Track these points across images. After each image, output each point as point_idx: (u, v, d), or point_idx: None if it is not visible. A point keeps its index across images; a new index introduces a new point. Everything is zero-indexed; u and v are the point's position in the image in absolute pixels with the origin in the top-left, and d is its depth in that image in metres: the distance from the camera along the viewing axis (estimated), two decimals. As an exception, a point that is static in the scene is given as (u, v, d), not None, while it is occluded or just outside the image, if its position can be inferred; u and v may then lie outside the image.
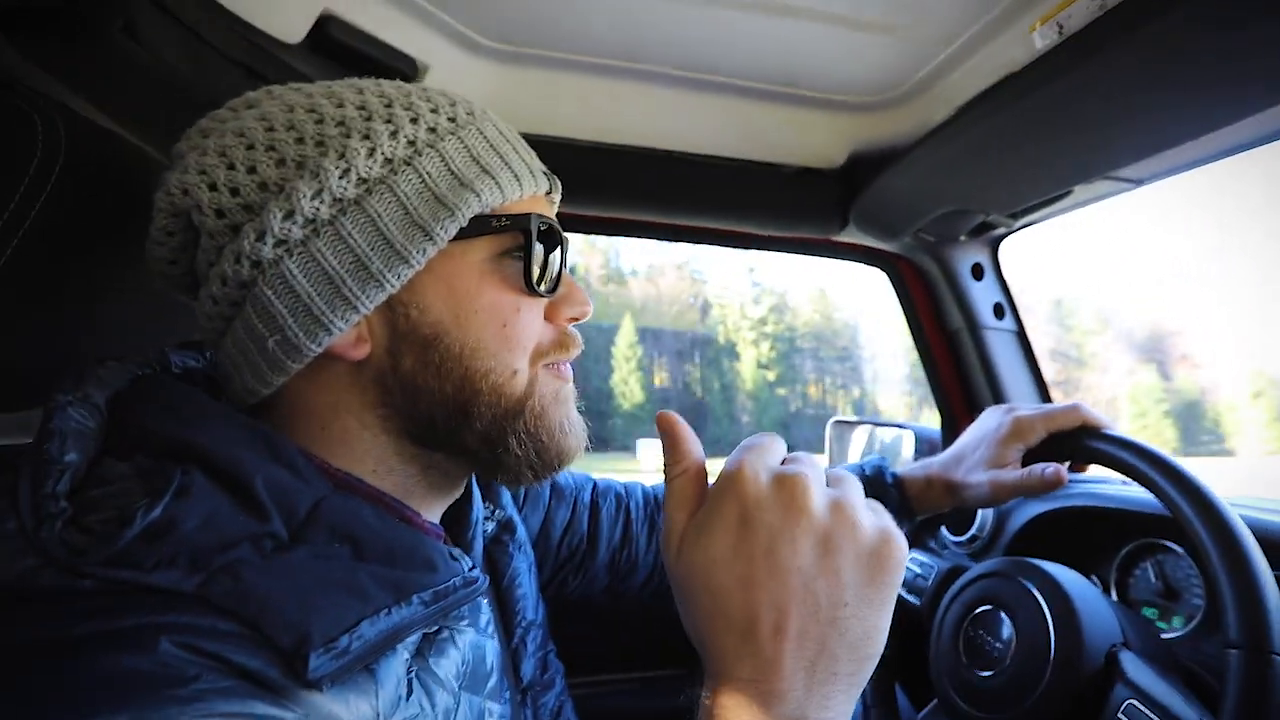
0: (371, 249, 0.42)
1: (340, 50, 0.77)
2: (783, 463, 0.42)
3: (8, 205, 0.46)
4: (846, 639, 0.37)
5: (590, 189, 1.02)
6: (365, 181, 0.42)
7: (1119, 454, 0.67)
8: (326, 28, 0.74)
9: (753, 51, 0.85)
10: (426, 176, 0.43)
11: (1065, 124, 0.74)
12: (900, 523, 0.79)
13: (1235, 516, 0.56)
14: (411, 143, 0.44)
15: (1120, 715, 0.59)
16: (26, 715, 0.29)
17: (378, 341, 0.45)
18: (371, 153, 0.42)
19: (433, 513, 0.52)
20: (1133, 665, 0.62)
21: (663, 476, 0.43)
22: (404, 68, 0.82)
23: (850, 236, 1.16)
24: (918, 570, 0.89)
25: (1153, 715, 0.57)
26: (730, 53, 0.86)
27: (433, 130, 0.45)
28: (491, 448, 0.47)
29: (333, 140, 0.42)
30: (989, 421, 0.79)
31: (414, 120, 0.44)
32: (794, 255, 1.27)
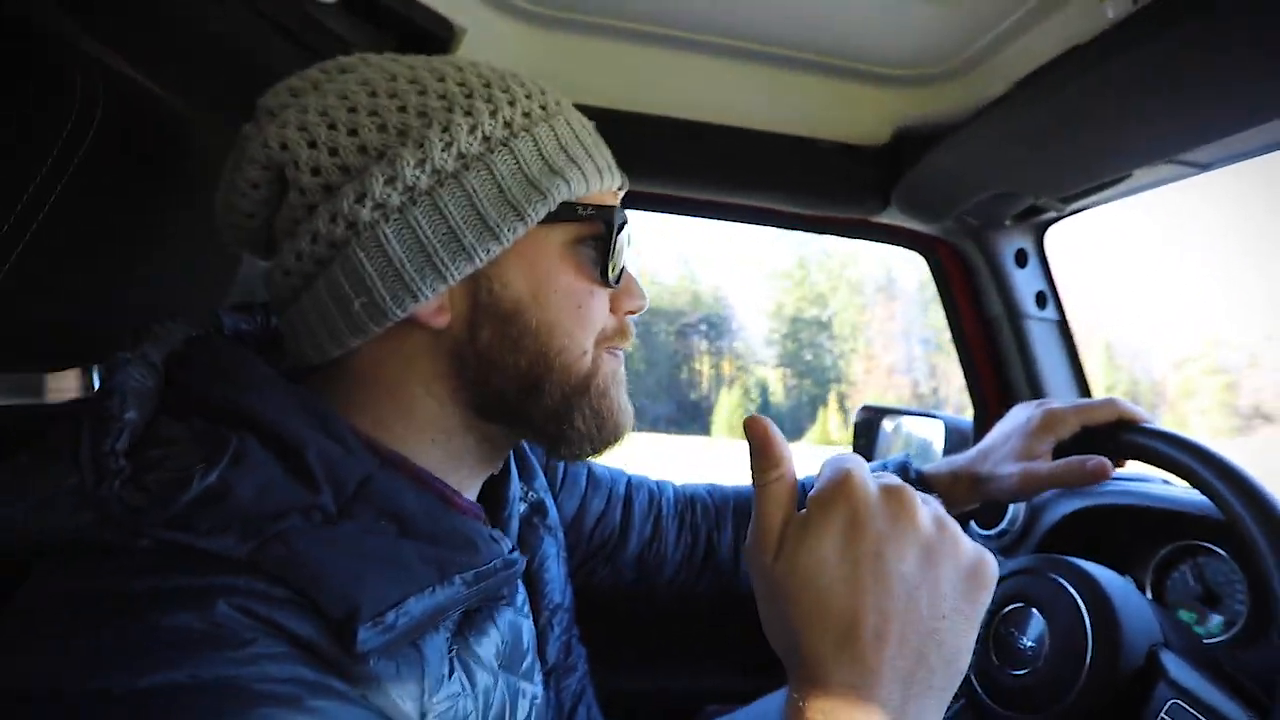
0: (465, 222, 0.43)
1: (376, 11, 0.75)
2: None
3: (45, 161, 0.46)
4: (942, 652, 0.38)
5: (625, 160, 1.00)
6: (464, 157, 0.44)
7: (1160, 447, 0.64)
8: None
9: (797, 19, 0.82)
10: (521, 159, 0.45)
11: (1133, 102, 0.70)
12: None
13: None
14: (508, 124, 0.45)
15: (1164, 716, 0.57)
16: (85, 665, 0.29)
17: (458, 313, 0.46)
18: (473, 130, 0.44)
19: (471, 490, 0.52)
20: (1175, 665, 0.60)
21: (752, 481, 0.43)
22: (440, 30, 0.80)
23: (890, 218, 1.12)
24: None
25: (1199, 715, 0.56)
26: (774, 20, 0.82)
27: (527, 115, 0.46)
28: (559, 423, 0.49)
29: (436, 113, 0.44)
30: (1019, 415, 0.78)
31: (511, 103, 0.46)
32: (828, 235, 1.24)
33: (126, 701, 0.29)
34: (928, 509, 0.41)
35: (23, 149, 0.46)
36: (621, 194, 0.55)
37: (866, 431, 1.36)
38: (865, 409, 1.41)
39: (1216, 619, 0.83)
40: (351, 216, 0.42)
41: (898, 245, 1.23)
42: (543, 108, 0.48)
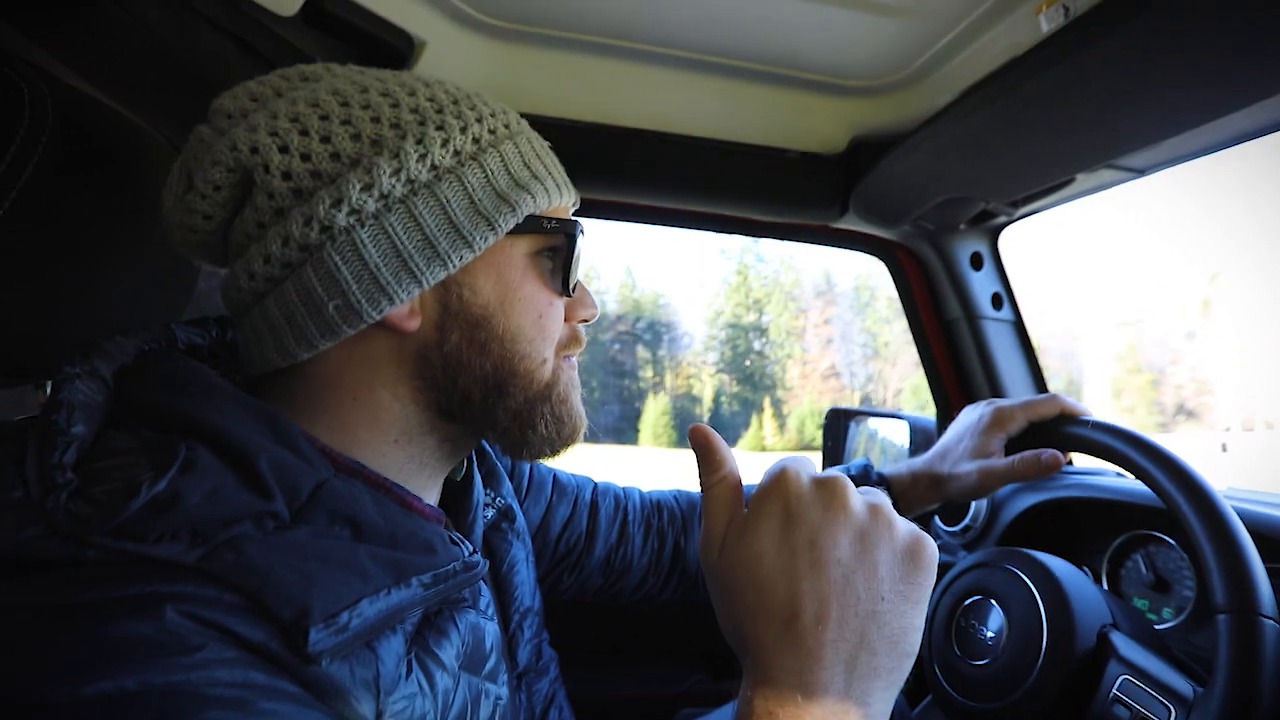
0: (439, 230, 0.45)
1: (335, 24, 0.75)
2: None
3: None
4: (885, 633, 0.39)
5: (585, 171, 1.01)
6: (436, 169, 0.46)
7: (1096, 437, 0.68)
8: (321, 1, 0.72)
9: (755, 32, 0.84)
10: (489, 173, 0.48)
11: (1069, 110, 0.74)
12: None
13: (1214, 488, 0.58)
14: (477, 140, 0.48)
15: (1116, 691, 0.59)
16: (31, 680, 0.29)
17: (428, 316, 0.47)
18: (445, 144, 0.46)
19: (432, 494, 0.53)
20: (1124, 644, 0.62)
21: (699, 486, 0.46)
22: (400, 44, 0.81)
23: (849, 223, 1.15)
24: None
25: (1148, 689, 0.58)
26: (732, 33, 0.85)
27: (493, 133, 0.49)
28: (521, 426, 0.51)
29: (410, 126, 0.45)
30: (970, 415, 0.81)
31: (478, 120, 0.48)
32: (790, 242, 1.26)
33: (70, 710, 0.28)
34: (862, 497, 0.43)
35: None
36: (574, 209, 0.57)
37: (834, 433, 1.38)
38: (833, 411, 1.44)
39: (1168, 607, 0.86)
40: (326, 221, 0.43)
41: (858, 250, 1.26)
42: (505, 126, 0.50)
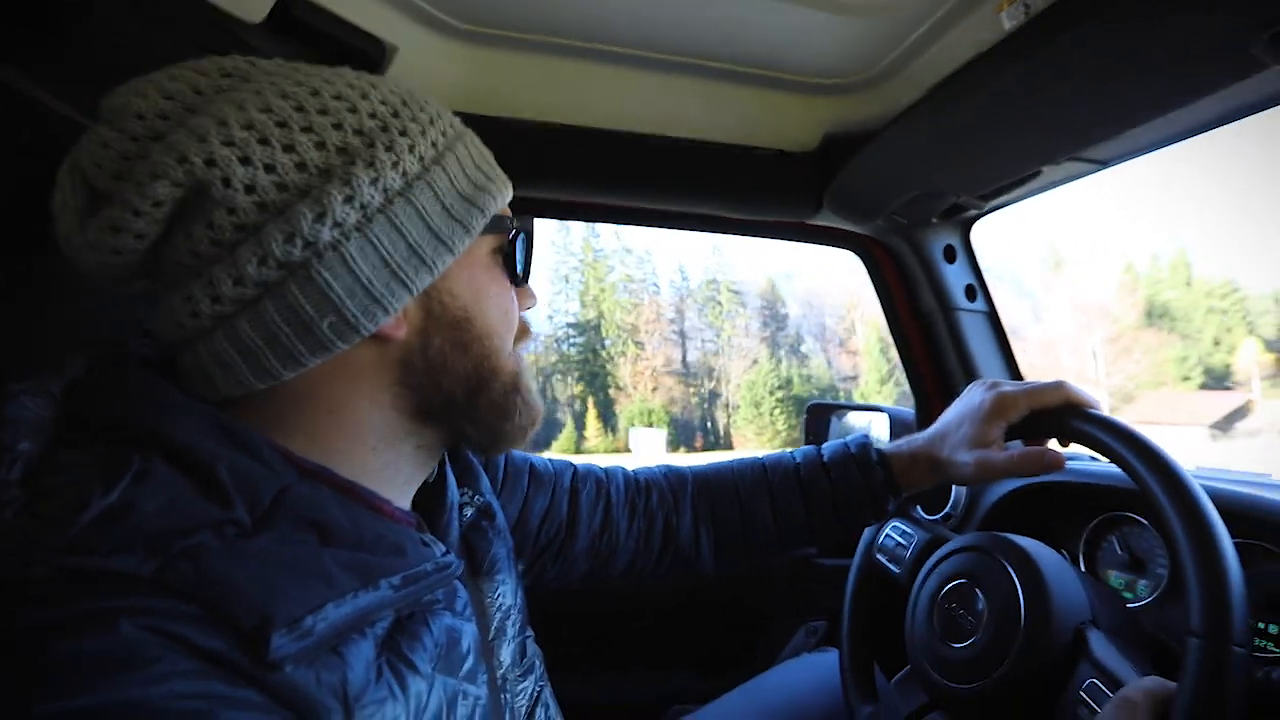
0: (421, 238, 0.45)
1: (304, 31, 0.75)
2: None
3: None
4: None
5: (560, 173, 1.02)
6: (407, 175, 0.45)
7: (1101, 435, 0.66)
8: (290, 7, 0.72)
9: (725, 32, 0.85)
10: (452, 176, 0.48)
11: (1032, 104, 0.75)
12: (886, 499, 0.79)
13: (1211, 509, 0.56)
14: (434, 145, 0.48)
15: (1082, 692, 0.60)
16: None
17: (411, 323, 0.48)
18: (411, 149, 0.46)
19: (405, 497, 0.52)
20: (1099, 644, 0.63)
21: None
22: (370, 50, 0.80)
23: (824, 220, 1.16)
24: (899, 539, 0.91)
25: (1112, 695, 0.58)
26: (703, 34, 0.85)
27: (445, 135, 0.49)
28: (501, 417, 0.52)
29: (374, 133, 0.45)
30: (972, 397, 0.77)
31: (431, 123, 0.48)
32: (767, 239, 1.27)
33: None
34: None
35: None
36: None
37: (816, 427, 1.40)
38: (813, 406, 1.45)
39: (1143, 583, 0.89)
40: (310, 236, 0.41)
41: (833, 246, 1.27)
42: (452, 127, 0.50)
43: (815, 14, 0.79)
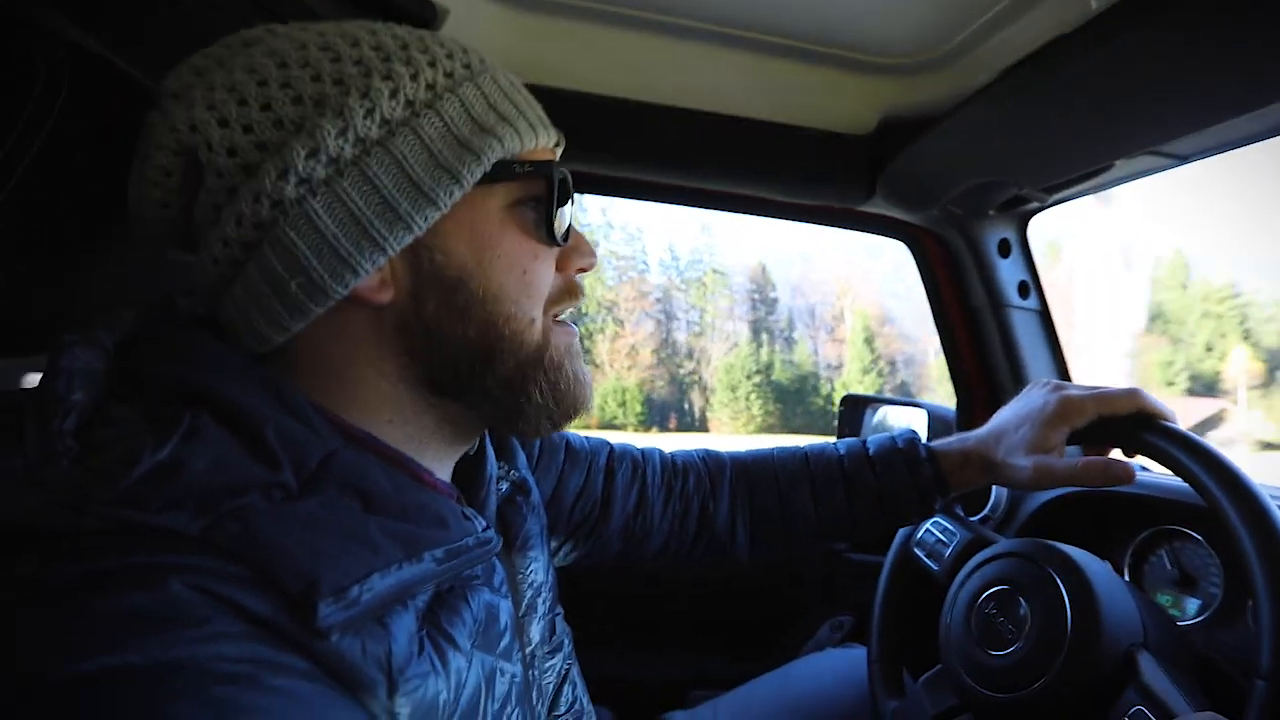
0: (398, 190, 0.42)
1: None
2: None
3: (3, 145, 0.45)
4: None
5: (607, 146, 0.99)
6: (388, 123, 0.42)
7: (1177, 454, 0.61)
8: None
9: (783, 5, 0.81)
10: (449, 120, 0.43)
11: (1115, 92, 0.71)
12: (933, 498, 0.76)
13: None
14: (430, 86, 0.44)
15: (1127, 718, 0.57)
16: (27, 655, 0.28)
17: (401, 286, 0.44)
18: (394, 94, 0.42)
19: (444, 469, 0.51)
20: (1150, 669, 0.60)
21: None
22: (423, 11, 0.79)
23: (875, 207, 1.12)
24: (939, 536, 0.88)
25: None
26: (760, 6, 0.82)
27: (449, 75, 0.45)
28: (514, 395, 0.48)
29: (353, 79, 0.42)
30: (1034, 399, 0.73)
31: (431, 64, 0.44)
32: (815, 225, 1.24)
33: (68, 687, 0.27)
34: None
35: None
36: (559, 151, 0.53)
37: (850, 420, 1.37)
38: (848, 398, 1.42)
39: (1193, 602, 0.85)
40: (276, 195, 0.40)
41: (883, 234, 1.23)
42: (466, 66, 0.46)
43: (886, -12, 0.75)
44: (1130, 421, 0.67)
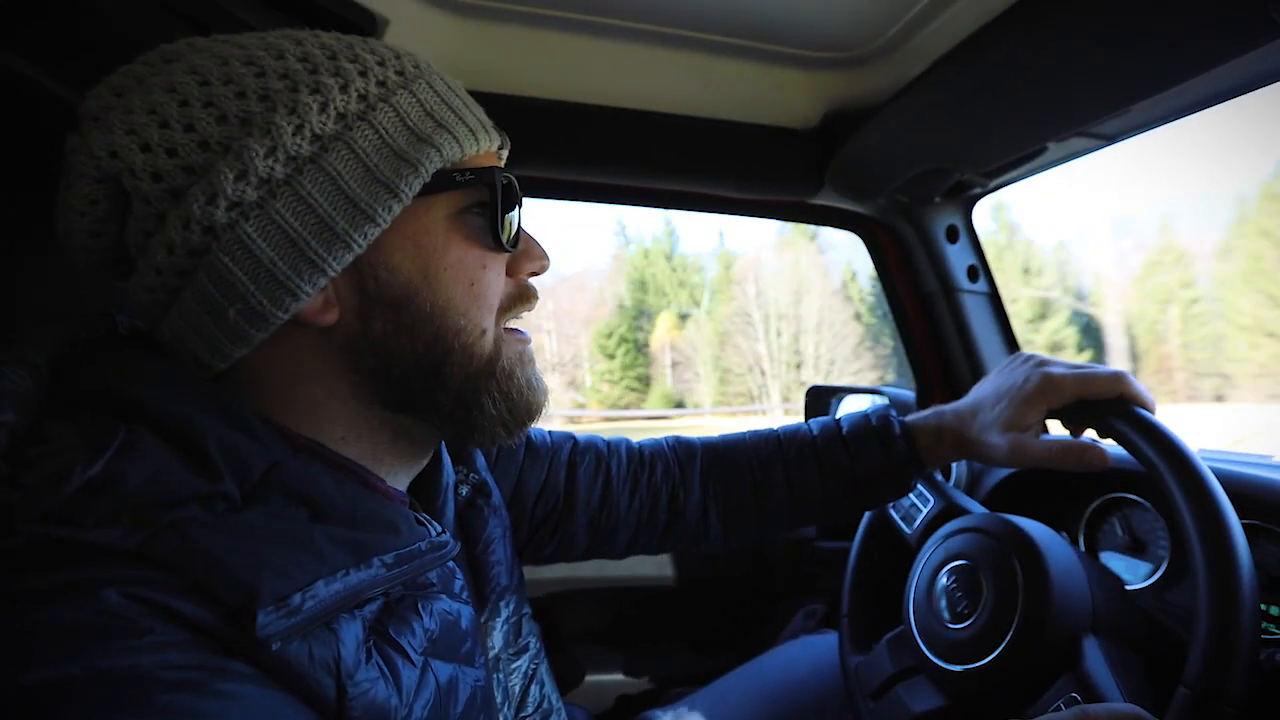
0: (334, 208, 0.40)
1: (293, 3, 0.73)
2: None
3: None
4: None
5: (555, 150, 1.00)
6: (319, 139, 0.40)
7: (1144, 448, 0.59)
8: None
9: (724, 5, 0.83)
10: (384, 132, 0.42)
11: (1040, 76, 0.74)
12: (909, 475, 0.77)
13: (1247, 558, 0.52)
14: (363, 97, 0.42)
15: (1061, 704, 0.58)
16: None
17: (346, 306, 0.43)
18: (324, 108, 0.40)
19: (399, 481, 0.51)
20: (1093, 658, 0.60)
21: None
22: (363, 22, 0.78)
23: (825, 199, 1.15)
24: (914, 500, 0.89)
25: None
26: (700, 6, 0.83)
27: (382, 84, 0.43)
28: (466, 408, 0.47)
29: (279, 95, 0.40)
30: (1016, 374, 0.70)
31: (362, 73, 0.42)
32: (766, 219, 1.26)
33: (10, 701, 0.27)
34: None
35: None
36: (504, 154, 0.52)
37: (816, 409, 1.39)
38: (814, 389, 1.44)
39: (1143, 565, 0.88)
40: (206, 220, 0.39)
41: (835, 226, 1.26)
42: (399, 73, 0.44)
43: (819, -17, 0.77)
44: (1108, 405, 0.65)
